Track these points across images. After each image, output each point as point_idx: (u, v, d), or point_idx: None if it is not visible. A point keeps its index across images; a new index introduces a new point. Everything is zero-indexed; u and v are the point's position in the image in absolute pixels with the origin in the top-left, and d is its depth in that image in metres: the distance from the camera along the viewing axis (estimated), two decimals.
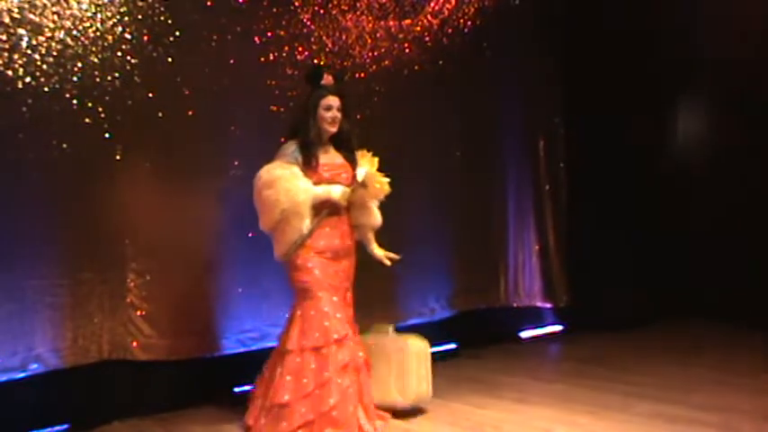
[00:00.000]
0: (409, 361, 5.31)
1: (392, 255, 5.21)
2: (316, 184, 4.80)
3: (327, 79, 4.93)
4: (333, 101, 4.89)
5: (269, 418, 4.72)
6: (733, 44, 7.84)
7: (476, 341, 7.23)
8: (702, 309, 8.00)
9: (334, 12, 6.31)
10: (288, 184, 4.71)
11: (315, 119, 4.88)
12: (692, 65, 8.19)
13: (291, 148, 4.85)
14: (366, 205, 5.08)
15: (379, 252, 5.20)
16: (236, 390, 5.81)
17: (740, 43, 7.81)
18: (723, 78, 8.04)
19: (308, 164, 4.83)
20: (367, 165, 4.99)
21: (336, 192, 4.84)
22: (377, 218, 5.15)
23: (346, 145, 5.01)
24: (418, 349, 5.39)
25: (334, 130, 4.92)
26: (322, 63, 5.99)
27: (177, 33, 5.55)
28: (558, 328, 7.91)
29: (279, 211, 4.72)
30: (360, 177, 4.94)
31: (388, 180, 5.01)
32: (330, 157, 4.95)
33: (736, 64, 7.86)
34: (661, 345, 7.30)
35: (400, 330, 5.95)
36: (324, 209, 4.84)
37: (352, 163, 5.00)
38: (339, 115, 4.91)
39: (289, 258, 4.84)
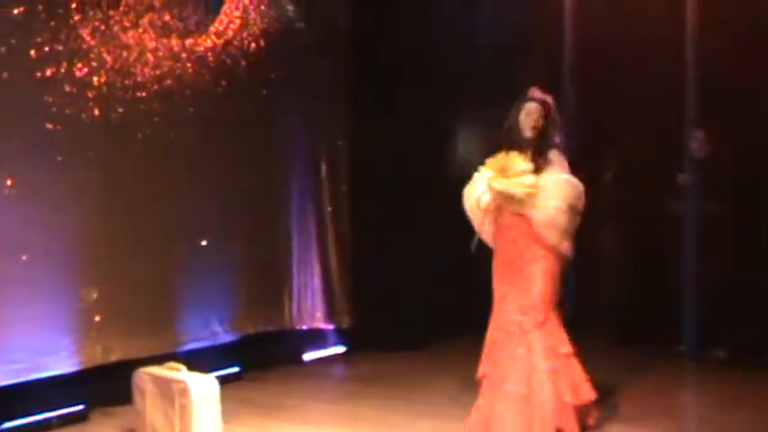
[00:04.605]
0: (191, 405, 5.11)
1: None
2: None
3: None
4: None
5: None
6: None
7: (259, 364, 7.17)
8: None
9: (115, 28, 6.07)
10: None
11: None
12: (474, 76, 8.44)
13: None
14: None
15: None
16: (5, 427, 5.44)
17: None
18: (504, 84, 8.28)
19: None
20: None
21: None
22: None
23: None
24: (202, 393, 5.17)
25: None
26: None
27: None
28: (341, 349, 7.98)
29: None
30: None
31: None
32: None
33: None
34: (444, 363, 7.44)
35: (182, 356, 5.85)
36: None
37: None
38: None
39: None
